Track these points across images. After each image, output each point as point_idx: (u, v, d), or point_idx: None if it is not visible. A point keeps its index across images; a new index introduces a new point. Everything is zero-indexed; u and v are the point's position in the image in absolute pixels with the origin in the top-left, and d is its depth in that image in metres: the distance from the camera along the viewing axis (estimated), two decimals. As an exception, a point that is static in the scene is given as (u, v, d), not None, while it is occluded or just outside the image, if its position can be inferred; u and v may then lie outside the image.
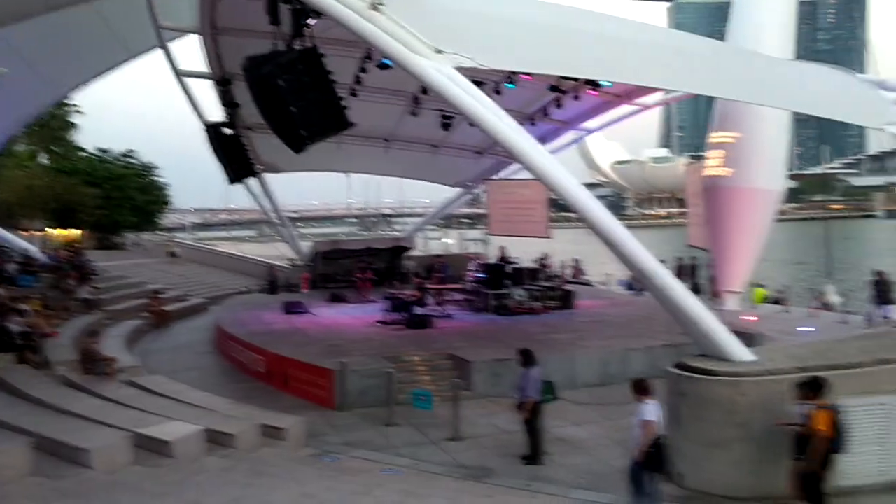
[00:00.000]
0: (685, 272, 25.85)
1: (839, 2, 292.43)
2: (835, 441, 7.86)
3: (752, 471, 8.79)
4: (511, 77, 18.39)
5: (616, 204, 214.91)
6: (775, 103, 16.01)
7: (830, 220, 63.04)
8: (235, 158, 18.75)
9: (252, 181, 26.15)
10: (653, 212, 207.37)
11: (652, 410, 8.24)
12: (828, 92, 14.13)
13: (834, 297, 26.38)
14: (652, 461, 8.14)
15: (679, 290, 9.34)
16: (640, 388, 8.48)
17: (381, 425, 12.47)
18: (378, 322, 19.65)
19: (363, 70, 17.90)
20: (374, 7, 9.21)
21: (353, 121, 10.95)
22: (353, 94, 18.31)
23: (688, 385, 9.22)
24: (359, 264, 26.53)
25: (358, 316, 21.28)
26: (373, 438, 11.86)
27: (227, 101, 18.42)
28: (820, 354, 9.55)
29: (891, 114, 12.91)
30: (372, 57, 16.44)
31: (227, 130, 18.45)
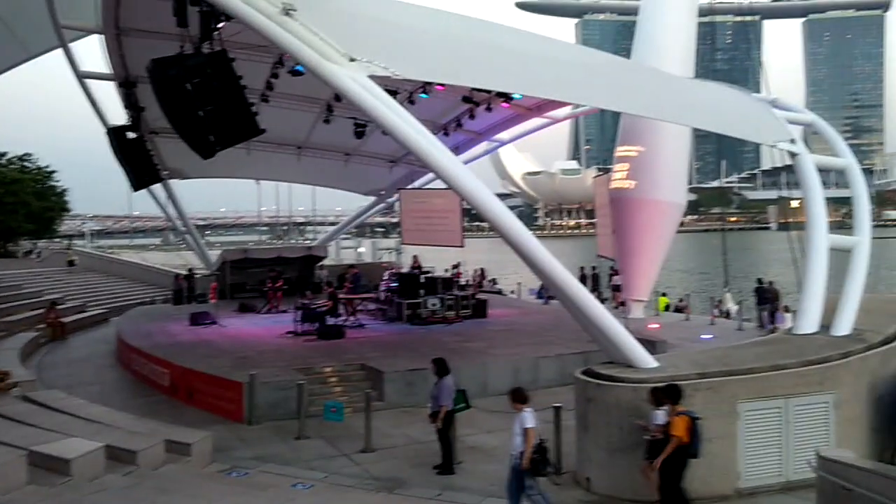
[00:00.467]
0: (586, 281, 26.58)
1: (736, 24, 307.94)
2: (691, 446, 8.22)
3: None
4: (425, 87, 18.48)
5: (527, 214, 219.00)
6: (677, 119, 16.67)
7: (728, 232, 66.08)
8: (139, 164, 18.12)
9: (157, 187, 25.33)
10: (562, 222, 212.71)
11: (530, 417, 8.49)
12: (725, 110, 14.85)
13: (731, 305, 27.71)
14: (535, 466, 8.35)
15: (587, 299, 9.57)
16: (518, 398, 8.72)
17: (291, 438, 12.22)
18: (289, 333, 19.30)
19: (275, 76, 17.62)
20: (286, 12, 9.06)
21: (263, 127, 10.76)
22: (265, 100, 18.01)
23: (595, 391, 9.46)
24: (269, 274, 26.02)
25: (268, 327, 20.85)
26: (283, 452, 11.61)
27: (132, 104, 17.77)
28: (719, 360, 9.97)
29: (783, 132, 13.63)
30: (284, 63, 16.21)
31: (131, 134, 17.81)
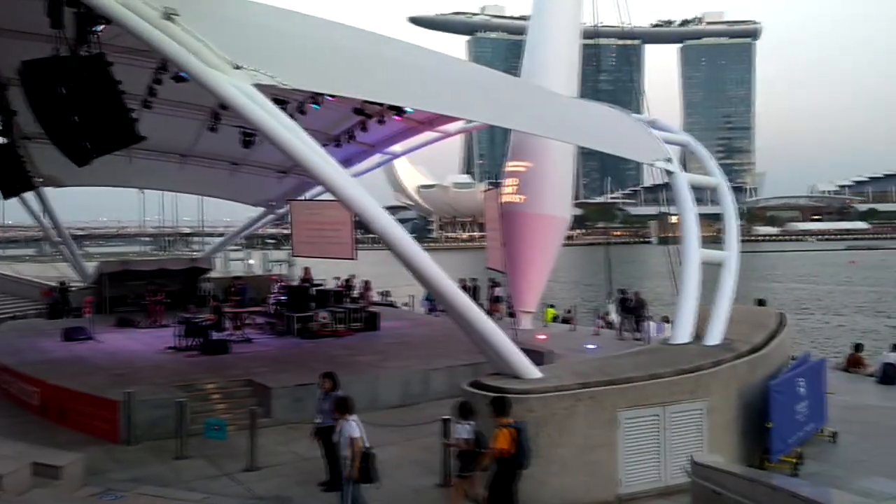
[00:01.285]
0: (467, 293, 27.00)
1: (619, 47, 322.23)
2: (517, 458, 8.36)
3: (540, 482, 9.27)
4: (316, 97, 18.25)
5: (421, 227, 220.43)
6: (561, 137, 17.21)
7: (612, 246, 68.71)
8: (10, 170, 16.99)
9: (30, 195, 23.84)
10: (456, 235, 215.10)
11: (355, 428, 8.61)
12: (607, 129, 15.49)
13: (614, 316, 28.74)
14: (363, 474, 8.48)
15: (474, 311, 9.68)
16: (341, 408, 8.84)
17: (171, 458, 11.70)
18: (170, 348, 18.52)
19: (158, 81, 16.90)
20: (168, 17, 8.74)
21: (144, 134, 10.29)
22: (147, 107, 17.24)
23: (481, 403, 9.54)
24: (150, 286, 24.89)
25: (148, 342, 19.92)
26: (162, 473, 11.10)
27: (1, 108, 16.63)
28: (599, 370, 10.31)
29: (659, 151, 14.33)
30: (167, 68, 15.60)
31: (1, 140, 16.71)
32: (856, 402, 15.36)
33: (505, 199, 23.12)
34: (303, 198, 29.20)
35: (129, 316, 23.95)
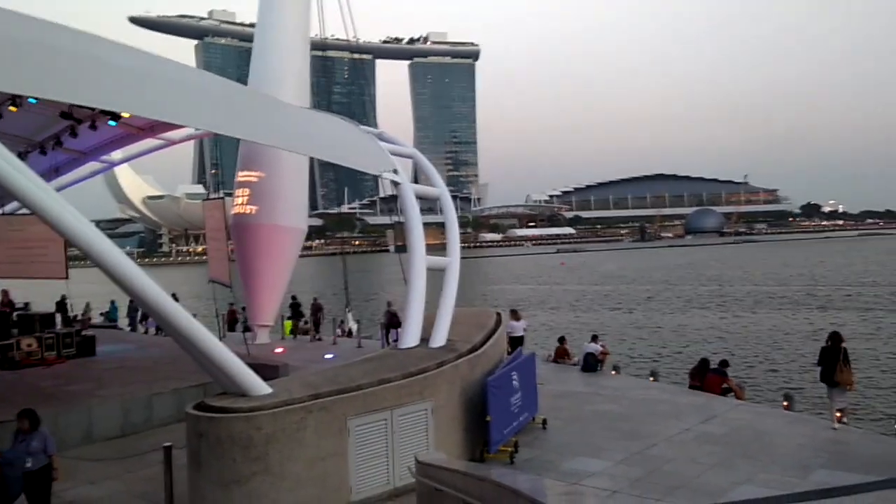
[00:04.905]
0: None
1: (352, 61, 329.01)
2: None
3: (273, 501, 9.06)
4: (15, 99, 16.21)
5: (150, 241, 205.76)
6: (290, 147, 17.07)
7: (352, 255, 69.68)
8: None
9: None
10: (190, 248, 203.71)
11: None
12: (336, 140, 15.66)
13: (353, 325, 29.15)
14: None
15: (194, 328, 9.19)
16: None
17: None
18: None
19: None
20: None
21: None
22: None
23: (206, 425, 9.10)
24: None
25: None
26: None
27: None
28: (330, 380, 10.34)
29: (386, 162, 14.79)
30: None
31: None
32: (563, 390, 17.12)
33: (237, 210, 22.40)
34: (2, 212, 25.80)
35: None
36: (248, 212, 21.87)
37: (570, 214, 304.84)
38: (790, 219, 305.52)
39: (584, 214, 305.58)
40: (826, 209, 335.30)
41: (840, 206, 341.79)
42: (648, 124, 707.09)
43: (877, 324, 43.75)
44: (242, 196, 22.08)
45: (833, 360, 13.18)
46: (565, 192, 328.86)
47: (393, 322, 23.33)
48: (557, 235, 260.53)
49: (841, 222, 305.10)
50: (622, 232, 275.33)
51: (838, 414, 13.40)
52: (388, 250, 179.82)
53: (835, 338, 13.55)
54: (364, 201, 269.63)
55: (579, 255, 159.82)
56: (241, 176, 22.40)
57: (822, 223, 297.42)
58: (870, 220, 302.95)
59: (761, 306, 54.90)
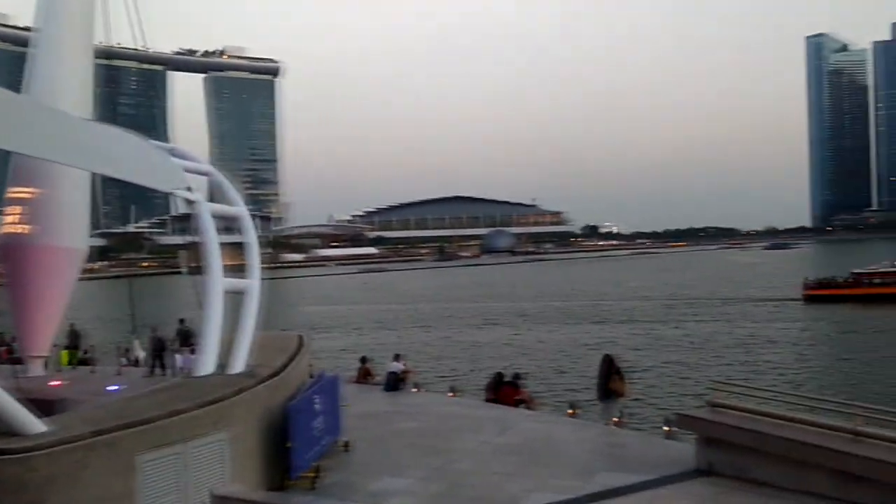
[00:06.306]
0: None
1: (142, 71, 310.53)
2: None
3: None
4: None
5: None
6: (69, 161, 15.71)
7: (141, 278, 65.27)
8: None
9: None
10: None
11: None
12: (122, 154, 14.63)
13: (140, 352, 27.20)
14: None
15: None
16: None
17: None
18: None
19: None
20: None
21: None
22: None
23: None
24: None
25: None
26: None
27: None
28: (116, 414, 9.56)
29: (179, 179, 14.07)
30: None
31: None
32: (366, 410, 17.12)
33: (6, 229, 20.19)
34: None
35: None
36: (19, 231, 19.75)
37: (373, 234, 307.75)
38: (573, 239, 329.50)
39: (387, 234, 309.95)
40: (603, 230, 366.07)
41: (615, 228, 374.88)
42: (448, 147, 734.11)
43: (649, 336, 48.50)
44: (13, 214, 19.93)
45: (607, 377, 14.74)
46: (369, 213, 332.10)
47: (185, 343, 22.11)
48: (361, 255, 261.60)
49: (615, 242, 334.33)
50: (423, 252, 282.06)
51: (615, 419, 14.74)
52: (181, 272, 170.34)
53: (607, 359, 15.20)
54: (154, 220, 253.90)
55: (383, 275, 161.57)
56: (13, 192, 20.22)
57: (599, 243, 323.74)
58: (639, 241, 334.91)
59: (550, 321, 58.73)
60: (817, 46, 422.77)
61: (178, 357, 20.90)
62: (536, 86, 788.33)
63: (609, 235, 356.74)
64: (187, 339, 22.06)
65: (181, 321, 20.80)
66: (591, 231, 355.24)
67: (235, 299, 13.40)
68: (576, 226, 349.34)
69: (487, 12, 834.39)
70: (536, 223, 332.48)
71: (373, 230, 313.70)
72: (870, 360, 37.97)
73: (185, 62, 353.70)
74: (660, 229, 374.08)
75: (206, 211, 13.61)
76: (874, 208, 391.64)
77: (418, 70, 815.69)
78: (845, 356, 39.71)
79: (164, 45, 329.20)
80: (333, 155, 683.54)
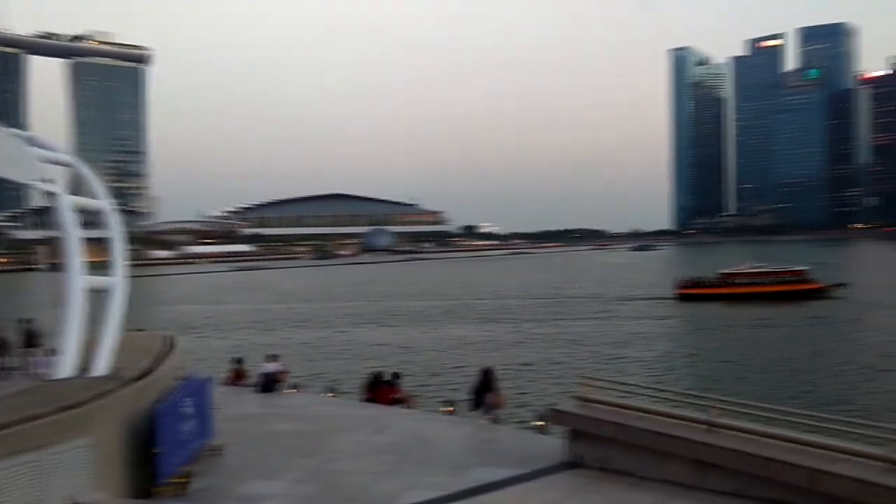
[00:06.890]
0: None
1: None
2: None
3: None
4: None
5: None
6: None
7: (-8, 275, 60.43)
8: None
9: None
10: None
11: None
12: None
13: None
14: None
15: None
16: None
17: None
18: None
19: None
20: None
21: None
22: None
23: None
24: None
25: None
26: None
27: None
28: (-37, 422, 8.86)
29: (38, 170, 13.19)
30: None
31: None
32: (239, 412, 16.69)
33: None
34: None
35: None
36: None
37: (249, 231, 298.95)
38: (452, 238, 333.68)
39: (264, 231, 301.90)
40: (481, 230, 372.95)
41: (493, 228, 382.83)
42: (330, 146, 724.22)
43: (525, 333, 49.94)
44: None
45: (482, 390, 15.22)
46: (244, 209, 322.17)
47: (30, 343, 20.57)
48: (236, 253, 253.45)
49: (493, 242, 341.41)
50: (301, 250, 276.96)
51: (490, 417, 15.17)
52: (39, 268, 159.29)
53: (485, 371, 15.66)
54: (9, 213, 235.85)
55: (259, 274, 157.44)
56: None
57: (477, 243, 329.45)
58: (515, 241, 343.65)
59: (429, 320, 59.30)
60: (680, 59, 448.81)
61: (30, 359, 19.44)
62: (419, 88, 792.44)
63: (487, 236, 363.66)
64: (32, 339, 20.55)
65: (26, 321, 19.30)
66: (469, 231, 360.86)
67: (98, 299, 12.73)
68: (454, 226, 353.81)
69: (374, 12, 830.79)
70: (416, 222, 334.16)
71: (249, 227, 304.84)
72: (736, 357, 40.23)
73: (47, 46, 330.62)
74: (535, 230, 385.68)
75: (67, 204, 12.85)
76: (729, 213, 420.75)
77: (302, 68, 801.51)
78: (711, 351, 42.18)
79: (24, 27, 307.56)
80: (208, 150, 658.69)
